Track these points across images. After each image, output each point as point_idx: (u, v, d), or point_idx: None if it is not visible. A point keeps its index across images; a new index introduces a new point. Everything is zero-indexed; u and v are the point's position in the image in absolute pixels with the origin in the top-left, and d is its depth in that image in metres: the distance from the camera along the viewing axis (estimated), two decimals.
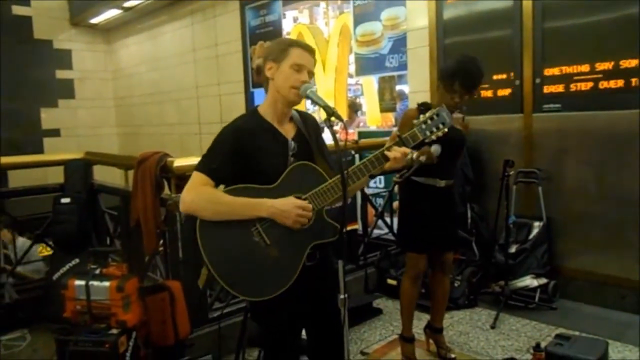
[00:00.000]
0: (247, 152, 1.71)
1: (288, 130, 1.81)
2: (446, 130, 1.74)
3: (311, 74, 1.77)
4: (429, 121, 1.73)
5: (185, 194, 1.69)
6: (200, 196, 1.66)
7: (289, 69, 1.73)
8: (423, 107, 2.70)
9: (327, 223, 1.71)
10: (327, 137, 1.83)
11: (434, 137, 1.74)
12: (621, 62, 3.40)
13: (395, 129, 5.04)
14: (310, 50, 1.78)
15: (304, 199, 1.67)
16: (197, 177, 1.70)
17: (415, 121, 1.74)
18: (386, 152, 1.69)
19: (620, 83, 3.41)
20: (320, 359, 1.91)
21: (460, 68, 2.60)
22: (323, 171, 1.74)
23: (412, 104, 4.67)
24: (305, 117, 1.89)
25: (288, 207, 1.63)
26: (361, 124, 6.03)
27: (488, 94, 4.06)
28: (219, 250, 1.66)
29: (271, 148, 1.75)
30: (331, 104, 1.70)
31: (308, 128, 1.85)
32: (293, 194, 1.67)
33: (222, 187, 1.73)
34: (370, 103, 5.60)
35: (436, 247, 2.80)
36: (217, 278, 1.66)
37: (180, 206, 1.70)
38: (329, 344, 1.83)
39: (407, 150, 1.71)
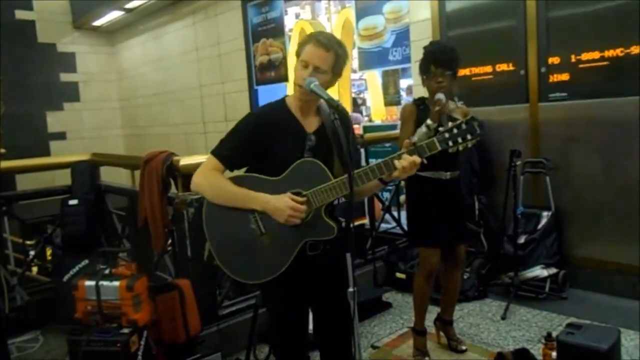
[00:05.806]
0: (263, 140, 1.74)
1: (310, 123, 1.81)
2: (475, 141, 1.62)
3: (318, 69, 1.71)
4: (454, 130, 1.62)
5: (195, 175, 1.81)
6: (207, 180, 1.77)
7: (298, 65, 1.75)
8: (419, 102, 2.74)
9: (324, 222, 1.72)
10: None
11: (460, 147, 1.63)
12: (627, 49, 3.36)
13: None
14: (321, 45, 1.72)
15: (304, 196, 1.68)
16: (209, 161, 1.79)
17: (441, 128, 1.69)
18: (395, 161, 1.64)
19: (625, 70, 3.37)
20: (331, 352, 1.92)
21: (427, 51, 2.71)
22: (338, 169, 1.73)
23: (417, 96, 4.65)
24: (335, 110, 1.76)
25: (282, 205, 1.67)
26: (365, 119, 6.01)
27: (493, 84, 4.03)
28: (219, 231, 1.79)
29: (288, 140, 1.76)
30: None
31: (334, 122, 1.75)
32: (295, 189, 1.69)
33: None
34: (374, 97, 5.58)
35: (447, 240, 2.78)
36: (214, 254, 1.78)
37: (190, 185, 1.82)
38: (339, 338, 1.84)
39: (418, 160, 1.63)
